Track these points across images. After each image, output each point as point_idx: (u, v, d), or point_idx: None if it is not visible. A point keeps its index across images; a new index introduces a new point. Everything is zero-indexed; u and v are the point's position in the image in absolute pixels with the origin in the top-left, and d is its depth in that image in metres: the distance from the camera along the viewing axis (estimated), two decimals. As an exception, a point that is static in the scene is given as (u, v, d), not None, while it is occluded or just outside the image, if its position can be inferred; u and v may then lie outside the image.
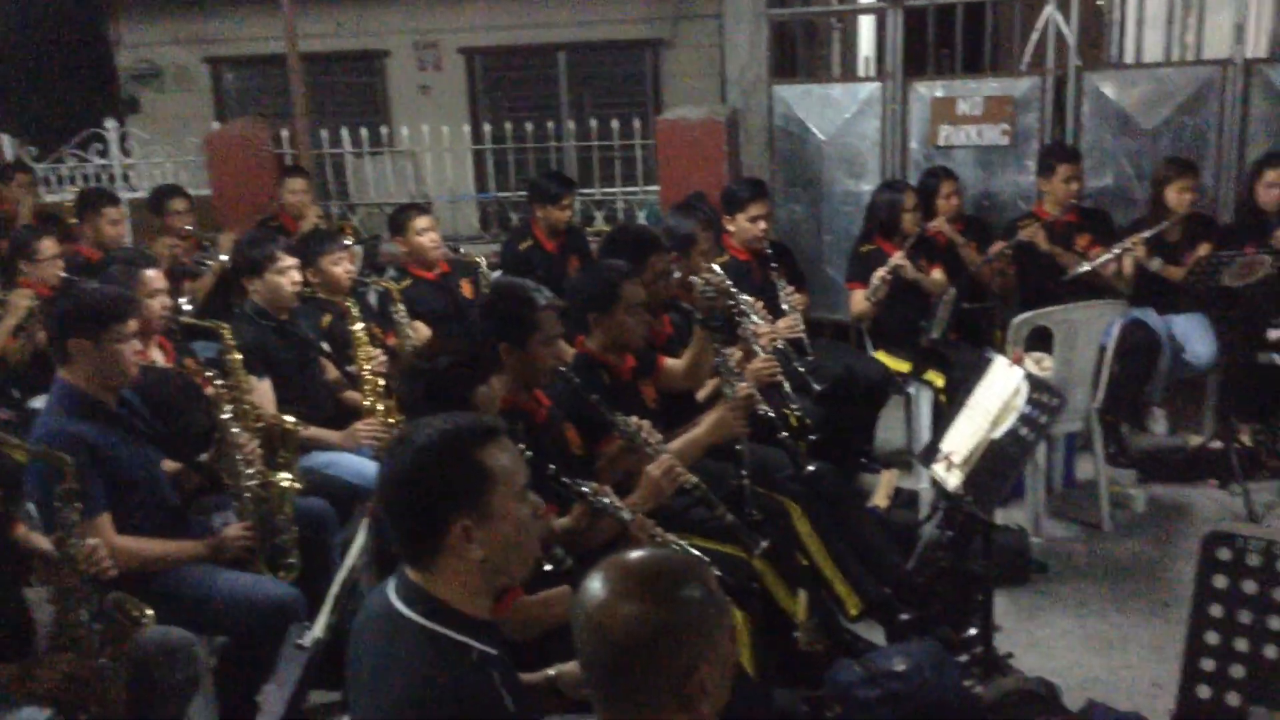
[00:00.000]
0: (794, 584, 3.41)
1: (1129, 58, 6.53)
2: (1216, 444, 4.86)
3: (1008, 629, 3.72)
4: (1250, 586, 2.08)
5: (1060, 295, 4.74)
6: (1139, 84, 5.62)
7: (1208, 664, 2.08)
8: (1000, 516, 4.43)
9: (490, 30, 7.77)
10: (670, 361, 3.81)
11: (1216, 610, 2.10)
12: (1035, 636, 3.70)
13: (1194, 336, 5.06)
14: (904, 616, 3.50)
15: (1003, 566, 3.90)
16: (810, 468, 3.72)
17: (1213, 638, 2.09)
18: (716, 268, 4.47)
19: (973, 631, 3.41)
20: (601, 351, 3.38)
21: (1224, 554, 2.11)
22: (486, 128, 7.64)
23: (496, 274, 5.24)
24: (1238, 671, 2.06)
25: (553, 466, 2.71)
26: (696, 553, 2.94)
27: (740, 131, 6.23)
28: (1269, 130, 5.44)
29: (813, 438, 3.98)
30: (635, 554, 1.56)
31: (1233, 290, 4.71)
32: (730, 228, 4.91)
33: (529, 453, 2.66)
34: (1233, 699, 2.04)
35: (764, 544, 3.18)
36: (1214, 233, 5.13)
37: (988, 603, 3.30)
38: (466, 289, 5.18)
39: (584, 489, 2.74)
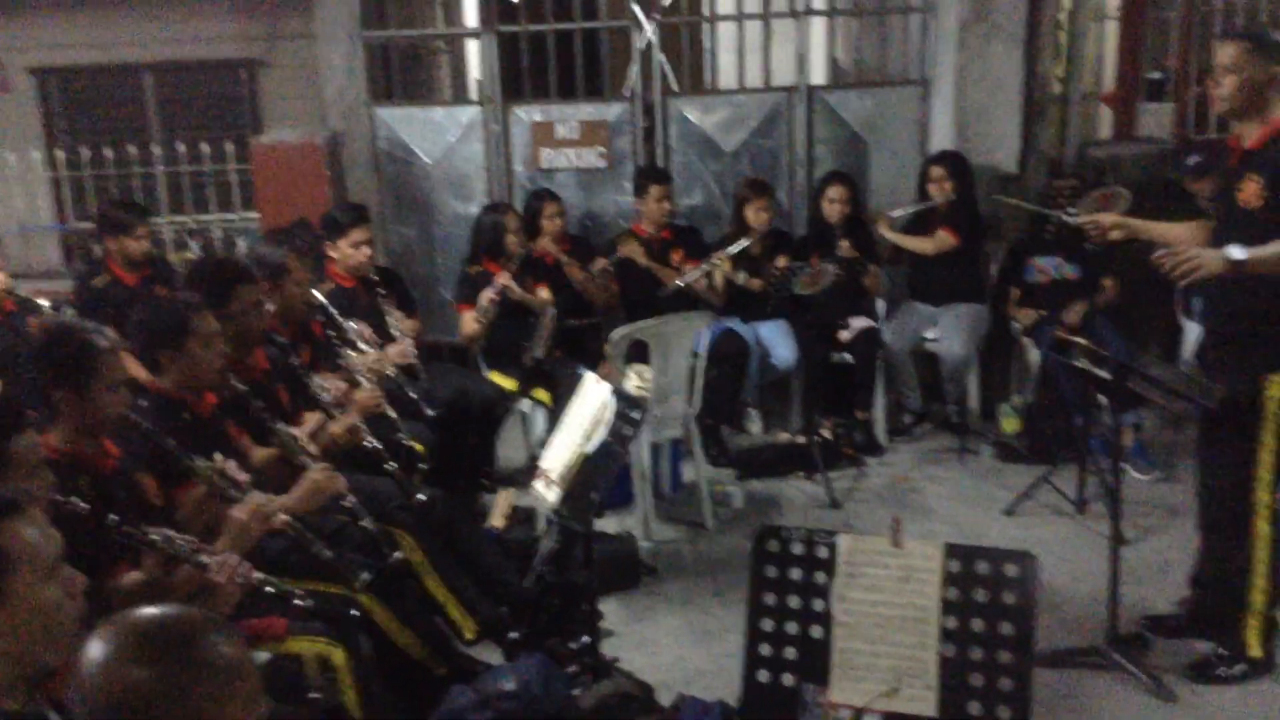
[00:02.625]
0: (407, 616, 3.37)
1: (728, 83, 7.03)
2: (802, 439, 5.31)
3: (620, 632, 3.87)
4: (796, 574, 2.26)
5: (661, 308, 5.01)
6: (718, 109, 6.05)
7: (765, 649, 2.25)
8: (614, 524, 4.63)
9: (66, 48, 7.13)
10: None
11: (769, 598, 2.27)
12: (644, 636, 3.86)
13: (778, 341, 5.49)
14: (513, 634, 3.54)
15: (613, 573, 4.05)
16: (421, 496, 3.69)
17: (768, 624, 2.26)
18: (319, 295, 4.35)
19: (584, 640, 3.50)
20: (176, 390, 3.18)
21: (773, 546, 2.28)
22: (60, 154, 7.02)
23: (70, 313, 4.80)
24: (791, 653, 2.24)
25: (114, 517, 2.49)
26: (297, 591, 2.85)
27: (344, 155, 6.10)
28: (832, 151, 6.03)
29: (423, 466, 3.95)
30: (143, 611, 1.45)
31: (806, 297, 5.16)
32: (333, 254, 4.79)
33: (87, 506, 2.46)
34: (788, 679, 2.21)
35: (365, 577, 3.11)
36: (790, 245, 5.61)
37: (593, 611, 3.41)
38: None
39: (154, 537, 2.55)
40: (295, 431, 3.37)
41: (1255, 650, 3.40)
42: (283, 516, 2.97)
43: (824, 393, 5.47)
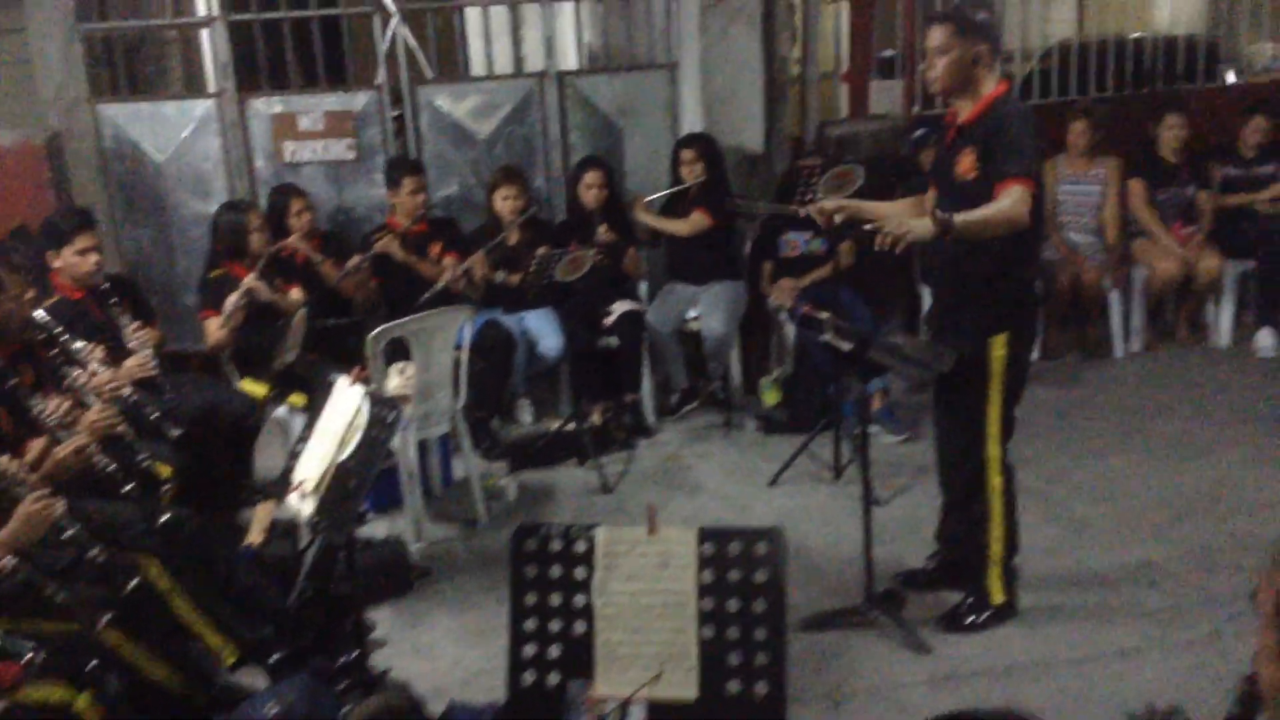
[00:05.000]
0: (157, 648, 3.16)
1: (479, 70, 6.91)
2: (573, 425, 5.31)
3: (395, 640, 3.76)
4: (556, 571, 2.24)
5: (425, 304, 4.89)
6: (469, 96, 5.95)
7: (529, 650, 2.22)
8: (383, 528, 4.50)
9: None
10: None
11: (531, 598, 2.24)
12: (420, 642, 3.76)
13: (544, 330, 5.46)
14: (277, 656, 3.38)
15: (383, 580, 3.94)
16: (165, 517, 3.47)
17: (530, 624, 2.23)
18: (42, 312, 4.01)
19: (352, 654, 3.38)
20: None
21: (531, 545, 2.25)
22: None
23: None
24: (555, 651, 2.22)
25: None
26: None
27: (66, 156, 5.65)
28: (586, 136, 6.03)
29: (168, 486, 3.72)
30: None
31: (568, 284, 5.15)
32: (56, 264, 4.42)
33: None
34: (553, 679, 2.19)
35: (106, 616, 2.90)
36: (548, 233, 5.58)
37: (360, 623, 3.29)
38: None
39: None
40: (3, 461, 3.09)
41: (998, 597, 3.62)
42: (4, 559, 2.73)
43: (592, 378, 5.48)
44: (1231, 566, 3.89)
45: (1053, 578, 3.89)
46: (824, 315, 3.68)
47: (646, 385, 5.58)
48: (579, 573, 2.22)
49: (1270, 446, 4.88)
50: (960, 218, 3.10)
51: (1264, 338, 5.98)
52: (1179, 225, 6.14)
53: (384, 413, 3.09)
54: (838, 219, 3.35)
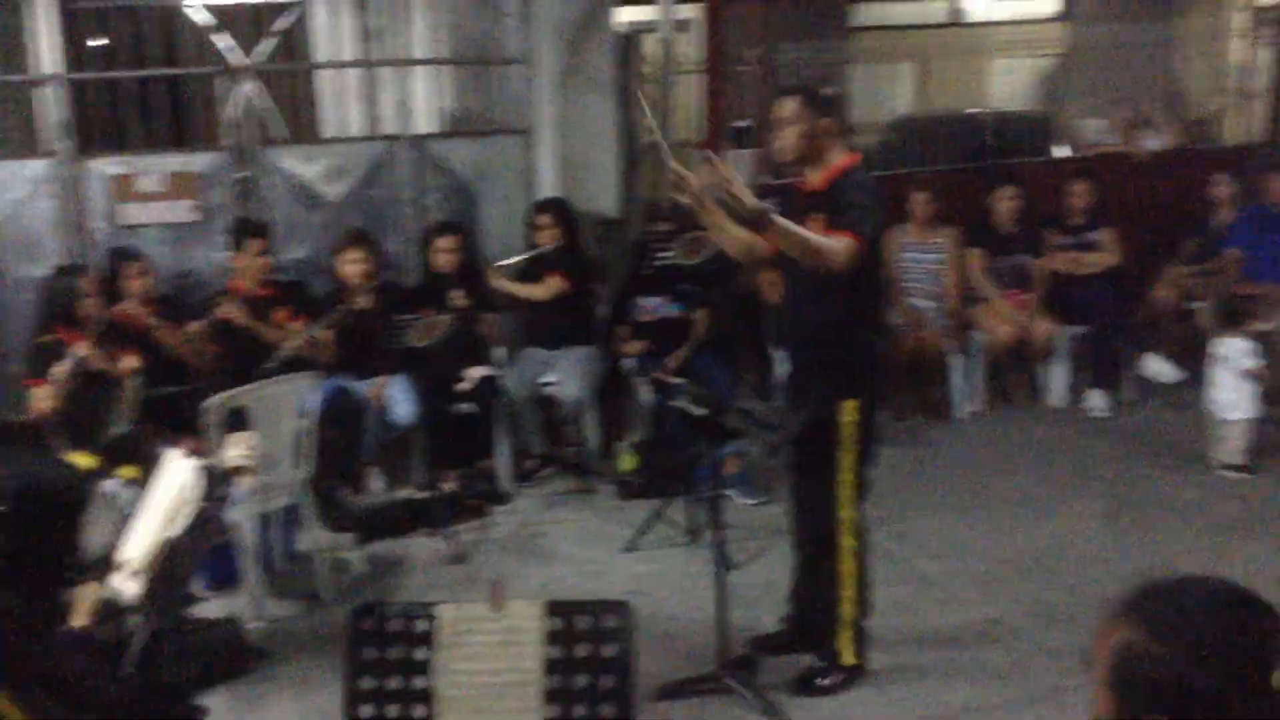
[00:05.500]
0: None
1: (333, 132, 6.79)
2: (426, 494, 5.19)
3: (231, 727, 3.58)
4: (395, 652, 2.15)
5: (270, 371, 4.73)
6: (320, 158, 5.84)
7: (365, 737, 2.12)
8: (221, 607, 4.29)
9: None
10: None
11: (368, 682, 2.15)
12: (257, 728, 3.59)
13: (395, 396, 5.35)
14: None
15: (217, 662, 3.74)
16: (-22, 603, 3.22)
17: (367, 710, 2.14)
18: None
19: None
20: None
21: (368, 625, 2.16)
22: None
23: None
24: (393, 737, 2.12)
25: None
26: None
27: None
28: (441, 200, 5.99)
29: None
30: None
31: (421, 349, 5.07)
32: None
33: None
34: (391, 765, 2.10)
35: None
36: (401, 298, 5.49)
37: (191, 710, 3.12)
38: None
39: None
40: None
41: (849, 658, 3.66)
42: None
43: (446, 445, 5.38)
44: (1070, 621, 4.02)
45: (902, 637, 3.95)
46: (677, 381, 3.70)
47: (503, 451, 5.50)
48: (419, 654, 2.14)
49: (1103, 503, 5.09)
50: (782, 221, 3.17)
51: (1095, 398, 6.26)
52: (1015, 291, 6.41)
53: (218, 486, 2.96)
54: (690, 200, 3.34)
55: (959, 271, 6.39)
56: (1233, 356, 5.32)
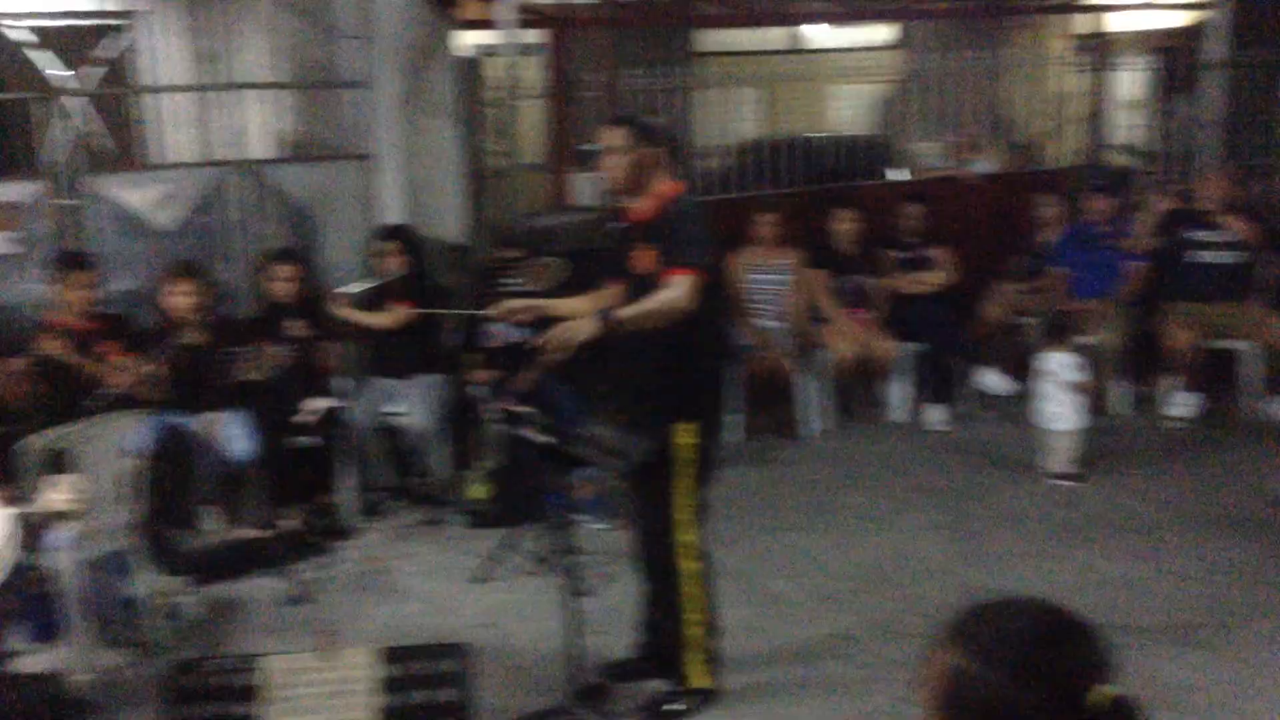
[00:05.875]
0: None
1: (167, 158, 6.52)
2: (265, 532, 5.01)
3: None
4: (217, 709, 2.06)
5: (95, 408, 4.51)
6: (151, 185, 5.61)
7: (186, 799, 2.01)
8: (44, 660, 4.04)
9: None
10: None
11: (187, 741, 2.04)
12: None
13: (231, 432, 5.15)
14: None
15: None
16: None
17: (187, 771, 2.03)
18: None
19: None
20: None
21: (189, 681, 2.06)
22: None
23: None
24: (215, 797, 2.02)
25: None
26: None
27: None
28: (279, 227, 5.81)
29: None
30: None
31: (258, 382, 4.90)
32: None
33: None
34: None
35: None
36: (235, 330, 5.30)
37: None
38: None
39: None
40: None
41: (699, 681, 3.66)
42: None
43: (286, 481, 5.21)
44: (913, 633, 4.11)
45: (752, 657, 3.98)
46: (522, 410, 3.66)
47: (347, 485, 5.36)
48: (242, 710, 2.05)
49: (943, 515, 5.25)
50: (624, 312, 3.21)
51: (934, 413, 6.47)
52: (856, 311, 6.58)
53: (34, 534, 2.78)
54: (522, 318, 3.37)
55: (803, 292, 6.52)
56: (1059, 370, 5.56)
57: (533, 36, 6.49)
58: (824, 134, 8.59)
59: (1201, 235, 6.41)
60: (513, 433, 4.49)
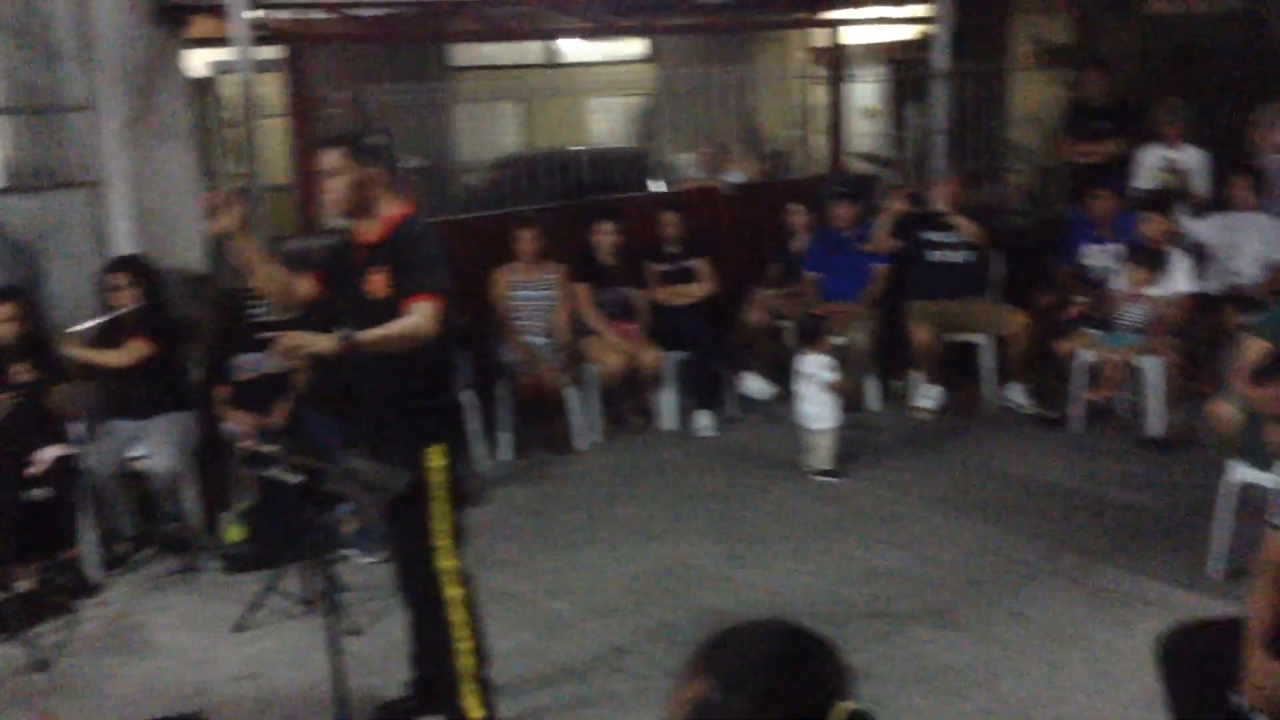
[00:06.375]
0: None
1: None
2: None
3: None
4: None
5: None
6: None
7: None
8: None
9: None
10: None
11: None
12: None
13: (-51, 489, 4.68)
14: None
15: None
16: None
17: None
18: None
19: None
20: None
21: None
22: None
23: None
24: None
25: None
26: None
27: None
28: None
29: None
30: None
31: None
32: None
33: None
34: None
35: None
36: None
37: None
38: None
39: None
40: None
41: (475, 712, 3.56)
42: None
43: (18, 537, 4.77)
44: (690, 642, 4.13)
45: (530, 680, 3.93)
46: (270, 449, 3.48)
47: (89, 537, 4.95)
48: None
49: (714, 521, 5.34)
50: (365, 335, 3.12)
51: (702, 419, 6.59)
52: (621, 322, 6.63)
53: None
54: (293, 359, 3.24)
55: (568, 306, 6.52)
56: (814, 372, 5.76)
57: (270, 53, 6.20)
58: (583, 147, 8.63)
59: (935, 236, 6.80)
60: (262, 474, 4.27)
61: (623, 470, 6.14)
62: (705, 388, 6.67)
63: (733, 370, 6.81)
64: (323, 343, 3.10)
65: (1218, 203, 6.84)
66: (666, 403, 6.71)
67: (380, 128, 3.42)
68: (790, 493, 5.65)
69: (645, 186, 8.50)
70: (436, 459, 3.38)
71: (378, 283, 3.30)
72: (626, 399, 6.80)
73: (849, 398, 6.10)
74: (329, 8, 6.41)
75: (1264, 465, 3.88)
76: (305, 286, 3.55)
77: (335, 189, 3.35)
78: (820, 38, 8.82)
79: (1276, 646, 2.66)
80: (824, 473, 5.77)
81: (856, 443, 6.07)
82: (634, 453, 6.41)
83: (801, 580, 4.67)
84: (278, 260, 5.88)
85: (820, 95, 8.72)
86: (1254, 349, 4.11)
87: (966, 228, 6.71)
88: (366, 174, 3.34)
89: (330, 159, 3.34)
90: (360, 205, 3.37)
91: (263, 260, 3.48)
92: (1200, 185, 7.06)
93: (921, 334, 6.54)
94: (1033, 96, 8.91)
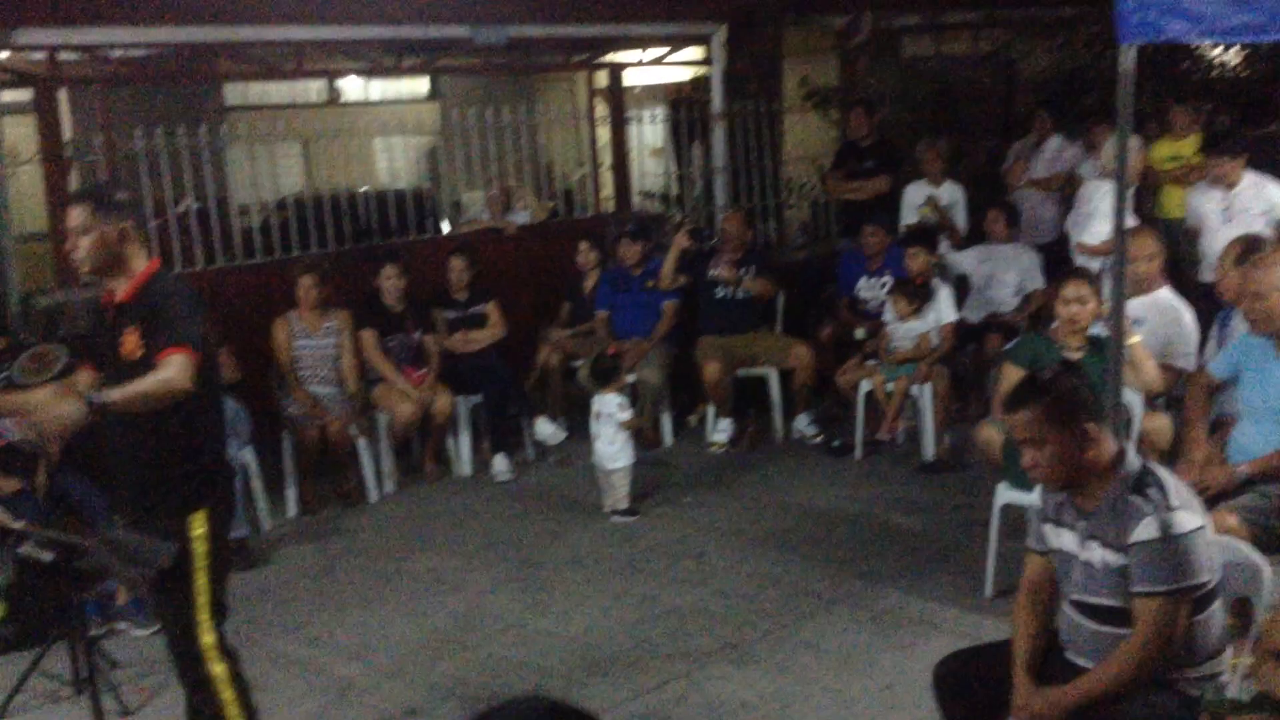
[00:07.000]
0: None
1: None
2: None
3: None
4: None
5: None
6: None
7: None
8: None
9: None
10: None
11: None
12: None
13: None
14: None
15: None
16: None
17: None
18: None
19: None
20: None
21: None
22: None
23: None
24: None
25: None
26: None
27: None
28: None
29: None
30: None
31: None
32: None
33: None
34: None
35: None
36: None
37: None
38: None
39: None
40: None
41: (257, 794, 3.37)
42: None
43: None
44: (482, 696, 4.06)
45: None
46: (17, 525, 3.21)
47: None
48: None
49: (512, 567, 5.26)
50: (115, 394, 2.95)
51: (499, 463, 6.50)
52: (411, 369, 6.48)
53: None
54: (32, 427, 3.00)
55: (355, 354, 6.32)
56: (610, 411, 5.78)
57: (17, 95, 5.80)
58: (367, 188, 8.41)
59: (718, 272, 6.97)
60: (12, 552, 3.94)
61: (417, 521, 5.99)
62: (500, 431, 6.59)
63: (527, 413, 6.76)
64: (65, 408, 2.89)
65: (977, 235, 7.28)
66: (462, 448, 6.59)
67: (123, 180, 3.23)
68: (588, 535, 5.63)
69: (432, 228, 8.37)
70: (198, 526, 3.20)
71: (131, 343, 3.12)
72: (420, 447, 6.65)
73: (644, 435, 6.15)
74: (81, 49, 6.05)
75: (1026, 486, 4.11)
76: (84, 379, 3.33)
77: (82, 247, 3.16)
78: (602, 79, 8.94)
79: (1040, 669, 2.80)
80: (621, 512, 5.78)
81: (652, 480, 6.12)
82: (429, 502, 6.26)
83: (601, 624, 4.64)
84: (33, 317, 5.54)
85: (605, 134, 8.82)
86: (1010, 375, 4.36)
87: (752, 287, 6.91)
88: (116, 229, 3.16)
89: (76, 215, 3.16)
90: (109, 263, 3.20)
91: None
92: (960, 219, 7.50)
93: (711, 368, 6.66)
94: (807, 137, 9.29)
